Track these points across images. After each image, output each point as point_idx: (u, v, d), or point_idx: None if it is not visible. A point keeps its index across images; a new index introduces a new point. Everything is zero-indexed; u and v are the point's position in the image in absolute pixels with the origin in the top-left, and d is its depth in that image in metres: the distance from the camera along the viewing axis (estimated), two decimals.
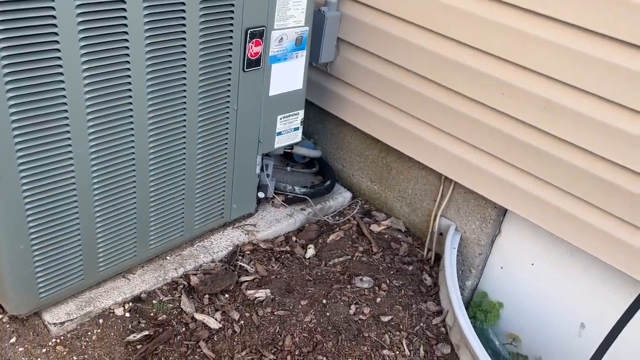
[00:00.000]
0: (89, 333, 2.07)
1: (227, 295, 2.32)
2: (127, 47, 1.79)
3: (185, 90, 2.05)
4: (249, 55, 2.19)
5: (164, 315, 2.18)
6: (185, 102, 2.07)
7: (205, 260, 2.43)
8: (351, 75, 2.76)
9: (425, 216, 2.81)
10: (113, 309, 2.15)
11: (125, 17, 1.74)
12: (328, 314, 2.32)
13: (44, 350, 1.99)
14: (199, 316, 2.20)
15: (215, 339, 2.14)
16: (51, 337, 2.04)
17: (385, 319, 2.34)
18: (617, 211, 2.01)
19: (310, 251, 2.64)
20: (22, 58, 1.58)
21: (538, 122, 2.12)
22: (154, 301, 2.22)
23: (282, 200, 2.79)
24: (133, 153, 2.00)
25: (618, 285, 2.20)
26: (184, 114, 2.10)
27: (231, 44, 2.11)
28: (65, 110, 1.74)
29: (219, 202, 2.47)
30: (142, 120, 1.97)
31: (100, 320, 2.11)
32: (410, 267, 2.65)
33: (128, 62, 1.82)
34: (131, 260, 2.25)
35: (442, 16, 2.28)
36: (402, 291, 2.50)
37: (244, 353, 2.11)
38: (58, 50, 1.64)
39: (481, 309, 2.59)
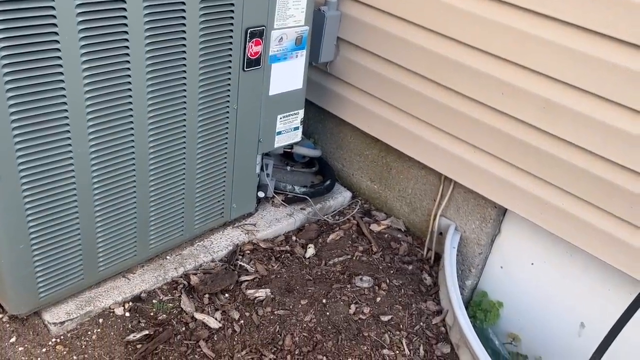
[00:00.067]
0: (89, 332, 2.07)
1: (227, 295, 2.32)
2: (127, 47, 1.80)
3: (185, 90, 2.05)
4: (248, 54, 2.19)
5: (164, 315, 2.18)
6: (185, 102, 2.07)
7: (205, 259, 2.43)
8: (351, 75, 2.76)
9: (425, 216, 2.81)
10: (113, 309, 2.15)
11: (125, 17, 1.74)
12: (328, 313, 2.32)
13: (44, 349, 2.00)
14: (199, 316, 2.20)
15: (215, 339, 2.14)
16: (51, 336, 2.04)
17: (385, 318, 2.35)
18: (617, 211, 2.01)
19: (310, 251, 2.64)
20: (22, 58, 1.58)
21: (538, 122, 2.12)
22: (154, 301, 2.23)
23: (282, 200, 2.79)
24: (133, 152, 2.00)
25: (618, 284, 2.20)
26: (184, 114, 2.10)
27: (231, 43, 2.11)
28: (65, 110, 1.74)
29: (219, 201, 2.47)
30: (142, 120, 1.97)
31: (100, 320, 2.11)
32: (410, 267, 2.65)
33: (128, 61, 1.82)
34: (131, 260, 2.25)
35: (442, 16, 2.28)
36: (402, 291, 2.50)
37: (244, 352, 2.11)
38: (58, 50, 1.64)
39: (481, 308, 2.59)
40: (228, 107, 2.25)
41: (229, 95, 2.22)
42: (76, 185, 1.90)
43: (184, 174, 2.23)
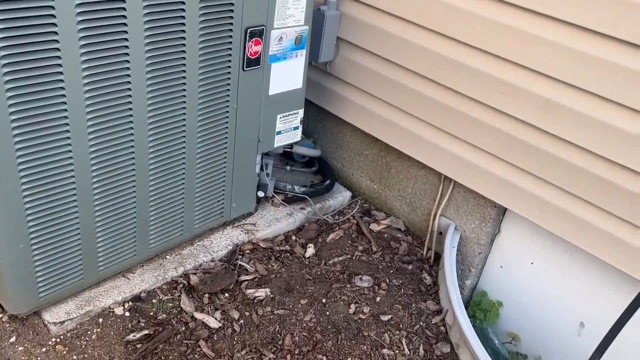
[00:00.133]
0: (89, 332, 2.07)
1: (226, 295, 2.32)
2: (126, 47, 1.79)
3: (184, 90, 2.05)
4: (248, 54, 2.19)
5: (164, 315, 2.18)
6: (184, 101, 2.07)
7: (205, 259, 2.43)
8: (351, 75, 2.76)
9: (424, 215, 2.81)
10: (113, 308, 2.15)
11: (125, 17, 1.74)
12: (328, 313, 2.32)
13: (43, 349, 2.00)
14: (198, 315, 2.20)
15: (215, 338, 2.14)
16: (51, 336, 2.04)
17: (384, 318, 2.35)
18: (616, 210, 2.01)
19: (310, 250, 2.64)
20: (22, 57, 1.58)
21: (537, 122, 2.12)
22: (153, 300, 2.23)
23: (282, 200, 2.79)
24: (133, 152, 2.00)
25: (617, 284, 2.20)
26: (184, 113, 2.10)
27: (231, 43, 2.11)
28: (65, 110, 1.74)
29: (218, 201, 2.47)
30: (141, 120, 1.97)
31: (100, 320, 2.11)
32: (410, 266, 2.65)
33: (128, 61, 1.82)
34: (131, 260, 2.25)
35: (441, 15, 2.28)
36: (401, 290, 2.50)
37: (243, 352, 2.11)
38: (58, 50, 1.64)
39: (481, 308, 2.59)
40: (228, 106, 2.25)
41: (228, 95, 2.22)
42: (76, 185, 1.89)
43: (183, 173, 2.23)
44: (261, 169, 2.64)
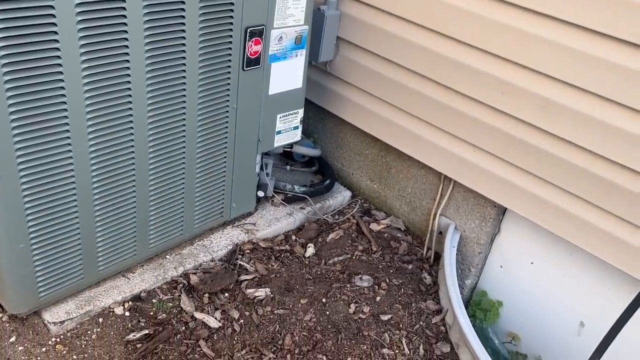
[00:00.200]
0: (89, 332, 2.07)
1: (226, 294, 2.32)
2: (126, 46, 1.79)
3: (184, 89, 2.05)
4: (248, 54, 2.19)
5: (164, 314, 2.18)
6: (184, 101, 2.07)
7: (205, 259, 2.43)
8: (351, 74, 2.76)
9: (424, 215, 2.81)
10: (113, 308, 2.15)
11: (125, 16, 1.74)
12: (328, 312, 2.32)
13: (43, 349, 2.00)
14: (198, 315, 2.20)
15: (215, 338, 2.15)
16: (51, 336, 2.04)
17: (384, 317, 2.35)
18: (616, 210, 2.01)
19: (310, 250, 2.64)
20: (22, 57, 1.58)
21: (537, 121, 2.12)
22: (153, 300, 2.23)
23: (282, 199, 2.79)
24: (133, 152, 2.00)
25: (617, 284, 2.20)
26: (184, 113, 2.10)
27: (231, 42, 2.11)
28: (65, 110, 1.74)
29: (218, 200, 2.47)
30: (141, 119, 1.97)
31: (100, 319, 2.11)
32: (410, 266, 2.65)
33: (128, 61, 1.82)
34: (131, 259, 2.25)
35: (441, 15, 2.28)
36: (401, 290, 2.50)
37: (243, 352, 2.11)
38: (58, 49, 1.64)
39: (481, 307, 2.59)
40: (228, 106, 2.25)
41: (228, 95, 2.22)
42: (76, 185, 1.89)
43: (183, 173, 2.23)
44: (261, 168, 2.64)
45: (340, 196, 2.99)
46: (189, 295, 2.27)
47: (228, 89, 2.21)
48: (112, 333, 2.08)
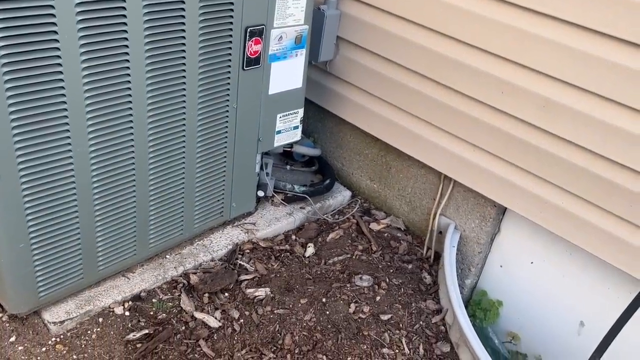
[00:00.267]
0: (89, 332, 2.07)
1: (226, 294, 2.32)
2: (126, 46, 1.79)
3: (184, 89, 2.05)
4: (248, 53, 2.19)
5: (164, 314, 2.18)
6: (184, 101, 2.07)
7: (205, 259, 2.43)
8: (351, 74, 2.76)
9: (424, 215, 2.81)
10: (113, 308, 2.15)
11: (124, 16, 1.74)
12: (328, 312, 2.32)
13: (43, 349, 2.00)
14: (198, 315, 2.20)
15: (215, 338, 2.15)
16: (51, 335, 2.04)
17: (384, 317, 2.35)
18: (616, 209, 2.01)
19: (310, 250, 2.64)
20: (22, 57, 1.58)
21: (537, 121, 2.12)
22: (153, 300, 2.23)
23: (282, 199, 2.79)
24: (133, 152, 2.00)
25: (617, 283, 2.20)
26: (184, 113, 2.10)
27: (231, 42, 2.11)
28: (65, 109, 1.74)
29: (218, 200, 2.47)
30: (141, 119, 1.97)
31: (100, 319, 2.11)
32: (410, 266, 2.65)
33: (127, 60, 1.82)
34: (131, 259, 2.25)
35: (441, 14, 2.28)
36: (401, 290, 2.50)
37: (243, 352, 2.11)
38: (58, 49, 1.64)
39: (481, 307, 2.59)
40: (228, 106, 2.25)
41: (228, 94, 2.22)
42: (76, 185, 1.89)
43: (183, 173, 2.23)
44: (261, 168, 2.64)
45: (340, 196, 2.99)
46: (189, 295, 2.27)
47: (228, 89, 2.21)
48: (112, 333, 2.08)
